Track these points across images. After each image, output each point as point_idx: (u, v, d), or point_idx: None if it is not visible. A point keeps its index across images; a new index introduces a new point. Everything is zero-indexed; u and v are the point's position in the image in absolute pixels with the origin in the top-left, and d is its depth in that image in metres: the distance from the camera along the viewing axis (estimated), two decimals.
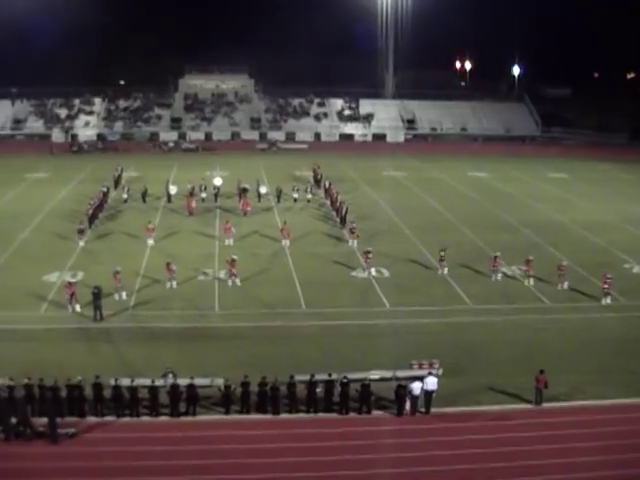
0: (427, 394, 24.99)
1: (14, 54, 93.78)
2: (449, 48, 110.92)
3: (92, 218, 45.12)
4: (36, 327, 30.66)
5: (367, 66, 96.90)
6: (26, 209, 49.98)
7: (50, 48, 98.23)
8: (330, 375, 24.99)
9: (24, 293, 34.18)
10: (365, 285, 36.28)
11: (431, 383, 25.05)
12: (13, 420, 22.93)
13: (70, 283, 32.40)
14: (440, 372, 26.61)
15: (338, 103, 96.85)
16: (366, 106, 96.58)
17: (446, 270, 37.70)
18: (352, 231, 42.81)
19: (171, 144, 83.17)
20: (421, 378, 25.27)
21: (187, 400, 24.57)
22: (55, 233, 44.32)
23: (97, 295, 31.25)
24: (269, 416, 24.45)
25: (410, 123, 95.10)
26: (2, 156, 74.00)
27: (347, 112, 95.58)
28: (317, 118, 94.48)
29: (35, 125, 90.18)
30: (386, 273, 38.10)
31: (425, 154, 79.13)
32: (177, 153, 78.87)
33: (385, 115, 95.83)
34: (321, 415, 24.49)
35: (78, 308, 31.94)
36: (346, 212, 46.27)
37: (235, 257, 35.66)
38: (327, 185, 53.46)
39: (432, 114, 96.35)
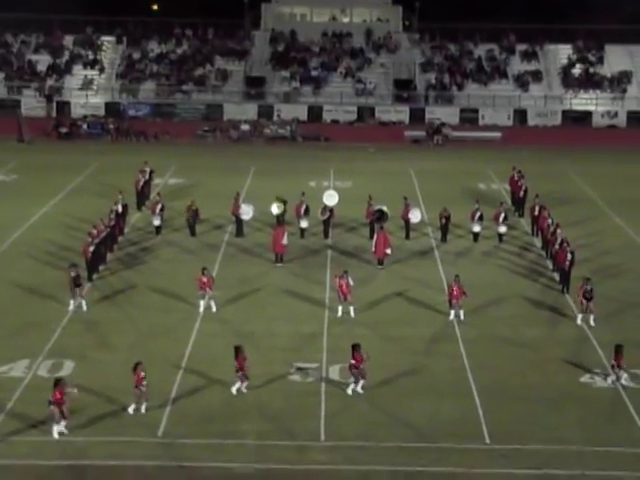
0: None
1: None
2: None
3: (95, 261, 40.68)
4: None
5: None
6: None
7: None
8: None
9: None
10: (608, 402, 30.87)
11: None
12: None
13: (59, 384, 27.61)
14: None
15: (562, 52, 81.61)
16: (618, 58, 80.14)
17: None
18: (586, 297, 36.82)
19: (245, 127, 73.13)
20: None
21: None
22: (22, 285, 39.37)
23: None
24: None
25: None
26: None
27: (579, 70, 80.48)
28: (520, 82, 79.51)
29: None
30: None
31: None
32: (255, 144, 71.42)
33: None
34: None
35: (63, 428, 26.95)
36: (571, 261, 40.18)
37: (362, 347, 30.36)
38: (537, 210, 47.51)
39: None
